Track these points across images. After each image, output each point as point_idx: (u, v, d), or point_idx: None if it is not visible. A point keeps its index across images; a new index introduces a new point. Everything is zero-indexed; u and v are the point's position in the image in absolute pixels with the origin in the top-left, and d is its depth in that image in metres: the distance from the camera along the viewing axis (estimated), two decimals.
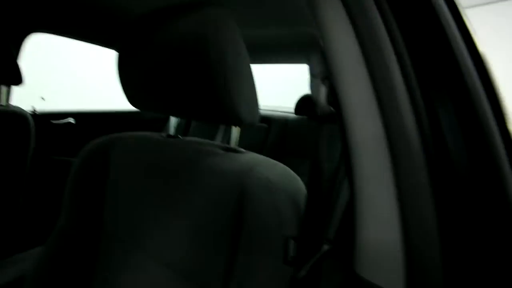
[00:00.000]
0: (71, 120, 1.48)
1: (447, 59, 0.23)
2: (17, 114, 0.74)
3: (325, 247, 0.36)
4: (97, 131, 1.64)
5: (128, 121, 1.85)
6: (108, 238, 0.52)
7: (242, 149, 0.48)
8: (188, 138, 0.54)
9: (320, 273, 0.35)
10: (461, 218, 0.22)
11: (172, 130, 0.58)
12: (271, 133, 1.59)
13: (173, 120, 0.54)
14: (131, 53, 0.45)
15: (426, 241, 0.22)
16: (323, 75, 0.32)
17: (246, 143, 0.52)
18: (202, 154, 0.45)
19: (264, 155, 0.44)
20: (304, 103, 1.48)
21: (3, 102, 0.84)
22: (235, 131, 0.48)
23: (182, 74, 0.39)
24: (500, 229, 0.21)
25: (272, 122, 1.61)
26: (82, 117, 1.54)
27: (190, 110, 0.43)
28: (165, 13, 0.42)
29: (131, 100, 0.50)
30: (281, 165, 0.42)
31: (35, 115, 1.12)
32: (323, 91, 0.30)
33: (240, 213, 0.37)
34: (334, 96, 0.28)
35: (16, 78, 0.81)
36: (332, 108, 0.30)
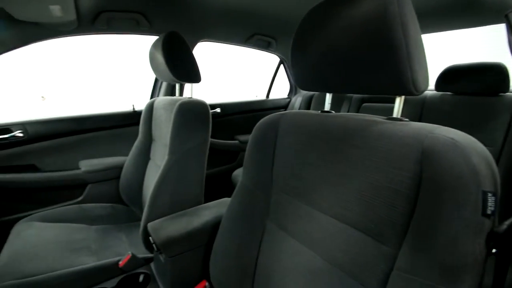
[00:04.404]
0: (218, 110, 1.87)
1: None
2: (202, 104, 1.02)
3: None
4: (234, 117, 2.03)
5: (254, 109, 2.17)
6: (278, 192, 0.65)
7: (406, 119, 0.50)
8: (341, 113, 0.61)
9: None
10: None
11: (327, 106, 0.66)
12: (404, 112, 1.47)
13: (328, 98, 0.61)
14: (303, 42, 0.55)
15: None
16: None
17: None
18: (370, 122, 0.50)
19: None
20: (447, 78, 1.28)
21: (189, 95, 1.15)
22: (399, 102, 0.50)
23: (359, 52, 0.45)
24: None
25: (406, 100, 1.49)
26: (224, 107, 1.92)
27: (363, 86, 0.49)
28: (337, 1, 0.48)
29: (301, 84, 0.60)
30: (458, 130, 0.43)
31: None
32: None
33: (420, 172, 0.40)
34: None
35: (197, 77, 1.11)
36: None
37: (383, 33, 0.40)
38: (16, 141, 1.25)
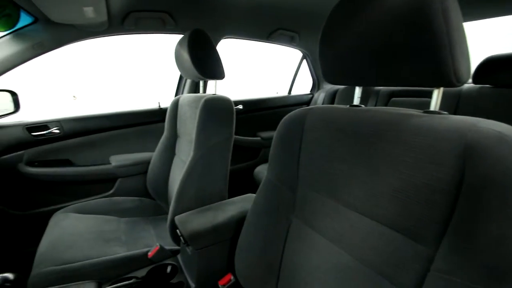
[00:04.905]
0: (240, 106, 1.88)
1: None
2: (226, 100, 1.03)
3: None
4: (256, 114, 2.02)
5: (276, 105, 2.15)
6: (304, 188, 0.64)
7: (445, 112, 0.47)
8: (372, 107, 0.58)
9: None
10: None
11: (356, 100, 0.63)
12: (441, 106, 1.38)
13: (357, 91, 0.59)
14: (333, 33, 0.53)
15: None
16: None
17: None
18: (405, 116, 0.47)
19: None
20: (486, 69, 1.19)
21: (213, 92, 1.16)
22: (437, 94, 0.47)
23: (395, 42, 0.42)
24: None
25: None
26: (246, 103, 1.92)
27: (399, 77, 0.46)
28: None
29: (330, 78, 0.58)
30: (503, 123, 0.39)
31: None
32: None
33: (462, 167, 0.37)
34: None
35: (221, 74, 1.12)
36: None
37: (422, 20, 0.38)
38: (52, 137, 1.34)
